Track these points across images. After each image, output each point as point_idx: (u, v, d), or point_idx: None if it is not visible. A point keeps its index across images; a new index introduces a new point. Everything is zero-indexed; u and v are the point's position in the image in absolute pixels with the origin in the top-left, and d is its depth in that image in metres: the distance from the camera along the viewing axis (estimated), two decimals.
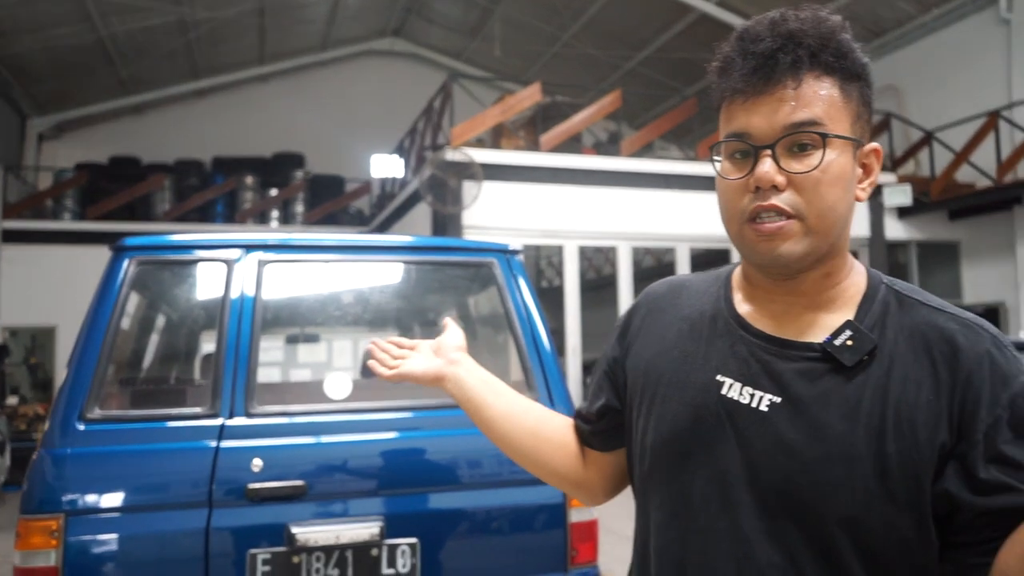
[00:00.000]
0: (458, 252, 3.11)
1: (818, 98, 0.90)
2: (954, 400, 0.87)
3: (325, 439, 2.58)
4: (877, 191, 10.62)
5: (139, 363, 3.45)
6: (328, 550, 2.45)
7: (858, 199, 0.96)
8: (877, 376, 0.89)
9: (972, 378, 0.87)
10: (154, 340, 3.61)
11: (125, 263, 2.59)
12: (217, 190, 14.27)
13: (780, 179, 0.91)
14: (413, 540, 2.53)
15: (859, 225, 10.60)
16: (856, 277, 0.99)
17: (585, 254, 10.42)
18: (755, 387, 0.94)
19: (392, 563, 2.51)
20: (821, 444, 0.89)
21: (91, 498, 2.33)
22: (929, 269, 11.43)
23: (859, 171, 0.96)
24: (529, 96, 9.93)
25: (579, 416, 1.21)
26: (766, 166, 0.91)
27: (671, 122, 10.97)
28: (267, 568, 2.41)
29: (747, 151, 0.93)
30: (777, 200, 0.91)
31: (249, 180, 14.41)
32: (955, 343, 0.89)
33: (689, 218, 9.87)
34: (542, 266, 13.71)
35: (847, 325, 0.92)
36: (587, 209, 9.42)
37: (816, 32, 0.91)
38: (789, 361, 0.94)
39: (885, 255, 10.74)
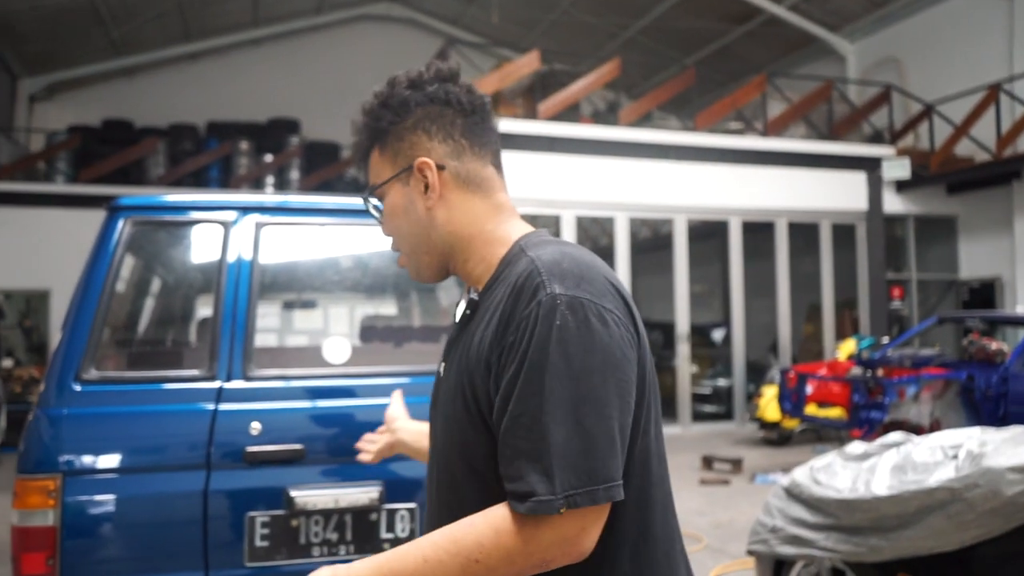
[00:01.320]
0: None
1: (371, 169, 1.18)
2: (497, 330, 1.00)
3: (323, 403, 2.56)
4: (876, 164, 10.58)
5: (135, 325, 3.42)
6: (327, 514, 2.45)
7: (429, 209, 1.14)
8: (477, 326, 1.06)
9: (504, 306, 1.00)
10: (150, 302, 3.58)
11: (120, 223, 2.55)
12: (212, 155, 14.12)
13: (384, 232, 1.20)
14: (412, 505, 2.53)
15: (857, 198, 10.58)
16: (500, 250, 1.12)
17: (582, 224, 10.38)
18: (444, 361, 1.17)
19: (391, 527, 2.51)
20: (443, 391, 1.11)
21: (88, 459, 2.32)
22: (926, 243, 11.43)
23: (415, 191, 1.14)
24: (527, 64, 9.81)
25: None
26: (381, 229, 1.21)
27: (670, 92, 10.87)
28: (265, 531, 2.41)
29: None
30: (392, 247, 1.20)
31: (244, 145, 14.24)
32: (512, 277, 1.03)
33: (687, 189, 9.81)
34: None
35: (466, 290, 1.14)
36: (585, 179, 9.36)
37: (359, 131, 1.18)
38: (452, 335, 1.16)
39: (882, 228, 10.73)
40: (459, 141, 1.14)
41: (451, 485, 1.07)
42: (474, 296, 1.09)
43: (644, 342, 1.05)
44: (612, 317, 0.98)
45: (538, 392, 0.93)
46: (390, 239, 1.20)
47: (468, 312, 1.09)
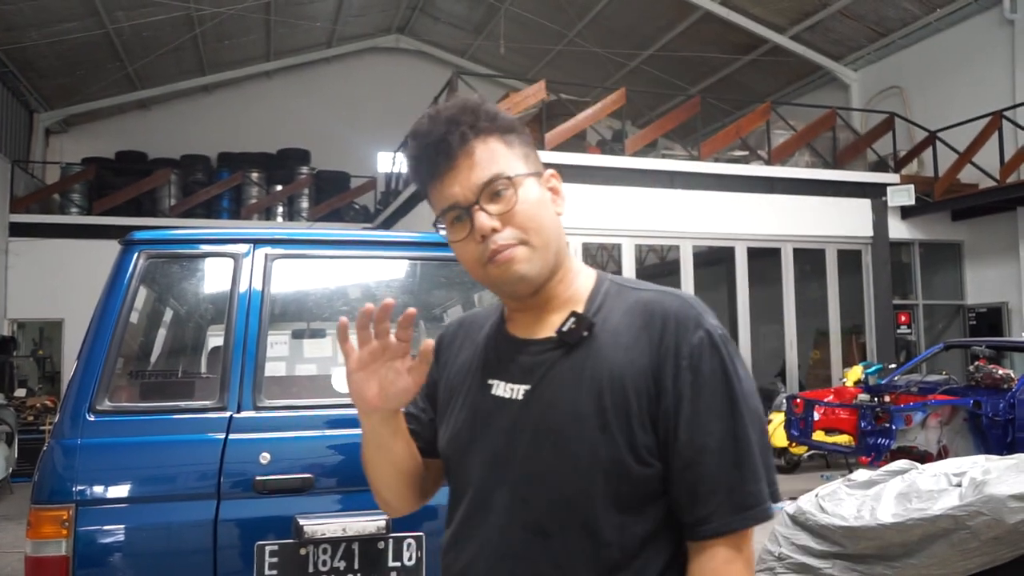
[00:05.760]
0: None
1: (491, 155, 1.12)
2: (655, 355, 1.07)
3: (332, 432, 2.61)
4: (881, 191, 10.63)
5: (147, 356, 3.48)
6: (335, 542, 2.48)
7: (559, 215, 1.17)
8: (597, 348, 1.10)
9: (664, 335, 1.07)
10: (162, 333, 3.64)
11: (135, 256, 2.62)
12: (222, 185, 14.31)
13: (495, 223, 1.10)
14: (419, 533, 2.56)
15: (862, 225, 10.62)
16: (585, 280, 1.19)
17: (589, 251, 10.44)
18: (513, 382, 1.15)
19: (398, 556, 2.54)
20: (559, 412, 1.08)
21: (101, 489, 2.36)
22: (932, 269, 11.43)
23: (549, 194, 1.17)
24: (533, 94, 9.93)
25: (413, 434, 1.29)
26: (481, 219, 1.10)
27: (675, 120, 10.97)
28: (274, 560, 2.44)
29: (460, 215, 1.13)
30: (500, 239, 1.10)
31: (254, 176, 14.46)
32: (655, 310, 1.10)
33: (692, 216, 9.87)
34: None
35: (571, 314, 1.13)
36: (591, 207, 9.43)
37: (465, 110, 1.13)
38: (537, 355, 1.14)
39: (888, 254, 10.74)
40: None
41: (544, 535, 1.07)
42: (592, 318, 1.12)
43: None
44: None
45: (733, 415, 1.05)
46: (503, 232, 1.10)
47: (585, 334, 1.11)
